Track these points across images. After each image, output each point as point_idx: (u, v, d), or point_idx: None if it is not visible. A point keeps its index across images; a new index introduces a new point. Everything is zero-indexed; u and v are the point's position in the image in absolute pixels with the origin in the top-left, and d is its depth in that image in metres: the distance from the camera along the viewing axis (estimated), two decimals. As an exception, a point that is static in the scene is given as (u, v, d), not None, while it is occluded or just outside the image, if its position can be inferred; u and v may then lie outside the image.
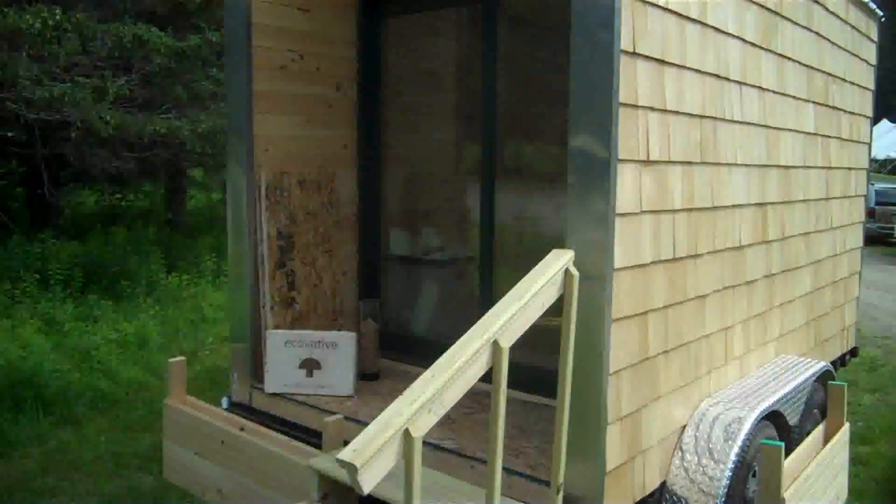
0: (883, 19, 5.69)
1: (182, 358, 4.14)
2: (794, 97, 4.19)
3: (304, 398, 3.89)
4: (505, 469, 2.64)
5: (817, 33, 4.43)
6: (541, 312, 2.58)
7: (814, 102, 4.49)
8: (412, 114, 4.73)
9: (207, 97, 10.11)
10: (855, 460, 4.85)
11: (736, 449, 3.22)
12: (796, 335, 4.57)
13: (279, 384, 3.95)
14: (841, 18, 4.82)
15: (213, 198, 14.96)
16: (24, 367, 6.25)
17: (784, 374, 4.02)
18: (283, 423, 3.81)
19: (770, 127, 3.92)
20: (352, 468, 2.00)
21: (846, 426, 3.98)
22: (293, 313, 4.22)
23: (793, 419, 3.86)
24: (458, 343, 2.38)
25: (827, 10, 4.56)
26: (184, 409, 3.90)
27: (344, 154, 4.57)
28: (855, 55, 5.16)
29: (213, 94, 10.03)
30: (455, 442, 3.33)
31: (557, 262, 2.67)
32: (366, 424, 2.16)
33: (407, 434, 2.11)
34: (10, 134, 9.10)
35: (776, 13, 3.89)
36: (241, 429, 3.63)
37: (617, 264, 2.78)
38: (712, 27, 3.30)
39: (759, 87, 3.77)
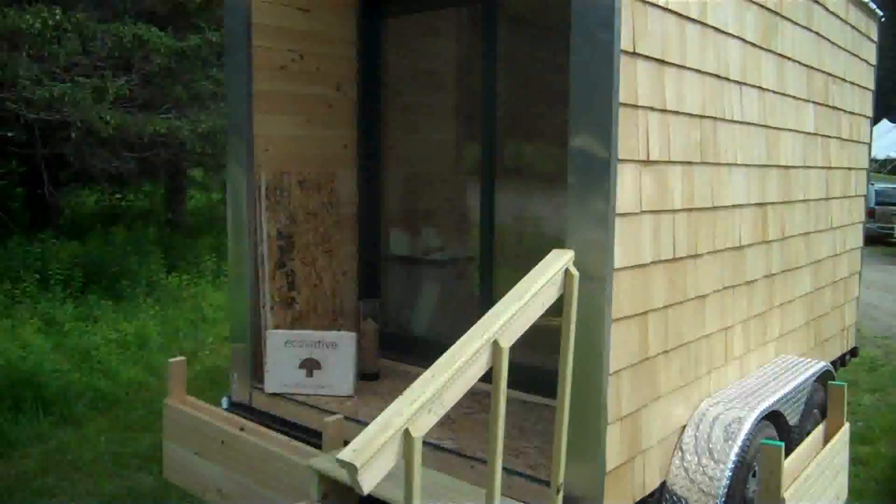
0: (883, 19, 5.69)
1: (182, 358, 4.14)
2: (794, 97, 4.19)
3: (304, 398, 3.89)
4: (505, 469, 2.63)
5: (817, 33, 4.43)
6: (541, 312, 2.58)
7: (814, 102, 4.49)
8: (412, 114, 4.73)
9: (207, 97, 10.12)
10: (855, 460, 4.84)
11: (736, 449, 3.22)
12: (796, 335, 4.57)
13: (279, 384, 3.95)
14: (841, 18, 4.82)
15: (213, 198, 14.95)
16: (24, 367, 6.25)
17: (784, 374, 4.02)
18: (283, 423, 3.81)
19: (770, 127, 3.92)
20: (352, 468, 2.00)
21: (846, 426, 3.98)
22: (293, 313, 4.22)
23: (793, 419, 3.86)
24: (458, 343, 2.38)
25: (827, 10, 4.56)
26: (184, 409, 3.90)
27: (344, 154, 4.57)
28: (855, 55, 5.16)
29: (213, 94, 10.03)
30: (455, 442, 3.33)
31: (557, 262, 2.67)
32: (366, 424, 2.16)
33: (407, 434, 2.11)
34: (10, 134, 9.11)
35: (776, 13, 3.89)
36: (241, 429, 3.63)
37: (617, 264, 2.78)
38: (712, 27, 3.30)
39: (759, 87, 3.77)
